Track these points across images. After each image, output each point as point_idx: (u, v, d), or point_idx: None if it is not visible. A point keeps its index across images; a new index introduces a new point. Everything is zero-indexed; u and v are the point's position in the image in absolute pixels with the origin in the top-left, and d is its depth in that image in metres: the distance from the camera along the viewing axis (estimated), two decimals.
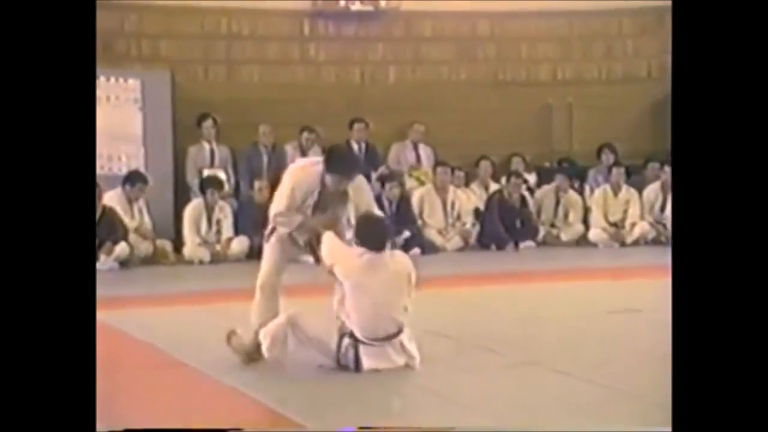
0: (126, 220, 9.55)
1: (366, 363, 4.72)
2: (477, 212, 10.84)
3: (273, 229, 5.19)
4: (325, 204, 5.13)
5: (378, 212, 5.25)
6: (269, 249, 5.20)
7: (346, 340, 4.74)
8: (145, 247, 9.64)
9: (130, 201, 9.74)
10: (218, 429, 3.40)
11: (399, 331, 4.80)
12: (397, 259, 4.95)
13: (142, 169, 10.16)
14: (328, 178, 5.08)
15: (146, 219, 9.86)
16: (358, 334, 4.74)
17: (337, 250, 4.89)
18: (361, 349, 4.73)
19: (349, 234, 5.08)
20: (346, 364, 4.73)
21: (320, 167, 5.13)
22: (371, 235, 4.86)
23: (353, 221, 5.12)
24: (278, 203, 5.15)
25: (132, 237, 9.53)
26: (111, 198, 9.59)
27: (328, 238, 4.91)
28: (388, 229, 5.30)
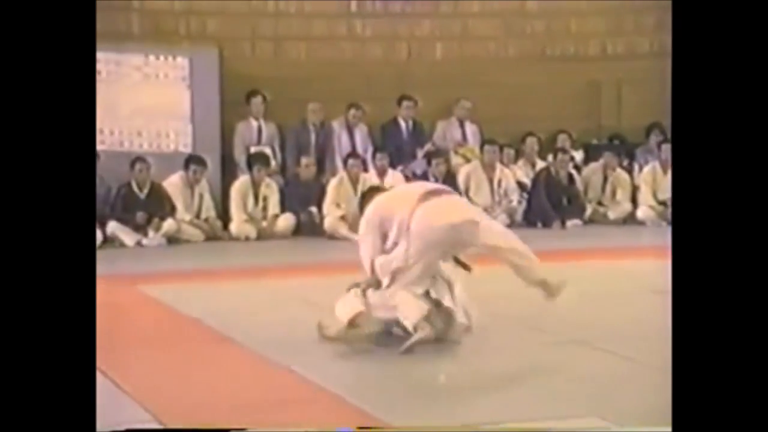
0: (181, 204, 9.65)
1: None
2: (522, 187, 10.77)
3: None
4: None
5: None
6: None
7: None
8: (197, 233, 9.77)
9: (191, 185, 9.85)
10: (219, 429, 3.41)
11: None
12: None
13: (190, 147, 10.28)
14: None
15: (207, 202, 9.95)
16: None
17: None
18: None
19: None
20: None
21: None
22: None
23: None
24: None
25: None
26: (171, 182, 9.74)
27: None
28: None
